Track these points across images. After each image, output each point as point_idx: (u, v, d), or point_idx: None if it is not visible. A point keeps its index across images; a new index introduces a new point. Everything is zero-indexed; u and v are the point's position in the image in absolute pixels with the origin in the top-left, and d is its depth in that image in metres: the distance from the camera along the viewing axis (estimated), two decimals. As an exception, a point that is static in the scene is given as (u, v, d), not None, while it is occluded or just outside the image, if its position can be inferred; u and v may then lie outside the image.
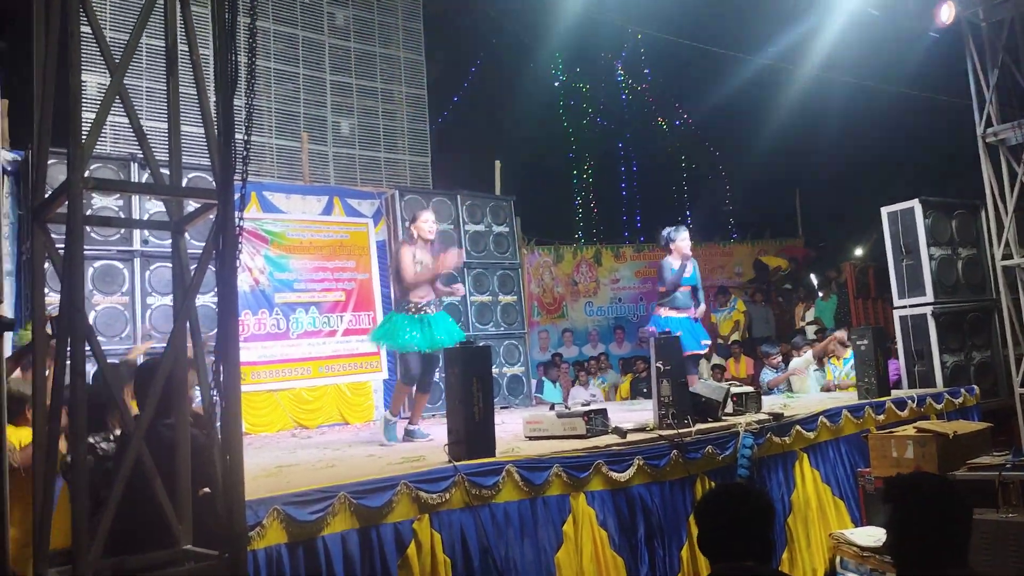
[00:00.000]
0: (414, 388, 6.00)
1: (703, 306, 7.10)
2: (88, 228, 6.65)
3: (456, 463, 4.11)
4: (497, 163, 9.88)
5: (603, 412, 5.22)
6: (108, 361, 2.61)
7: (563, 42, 15.85)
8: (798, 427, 5.69)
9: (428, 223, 5.92)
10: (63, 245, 2.38)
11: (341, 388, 8.12)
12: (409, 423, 5.92)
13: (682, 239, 6.88)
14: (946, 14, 8.37)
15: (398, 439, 5.73)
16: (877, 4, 8.69)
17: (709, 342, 7.10)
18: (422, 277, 5.78)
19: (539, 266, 12.20)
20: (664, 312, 6.84)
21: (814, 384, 8.68)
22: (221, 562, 2.52)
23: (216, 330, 2.65)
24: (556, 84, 16.99)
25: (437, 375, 7.32)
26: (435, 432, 5.88)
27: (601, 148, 17.66)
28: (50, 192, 2.50)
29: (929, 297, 7.87)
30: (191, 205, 3.07)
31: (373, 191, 8.83)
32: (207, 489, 2.61)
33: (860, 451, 6.03)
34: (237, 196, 2.72)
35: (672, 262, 6.84)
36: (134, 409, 3.12)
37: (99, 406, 3.13)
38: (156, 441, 2.62)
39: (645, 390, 8.99)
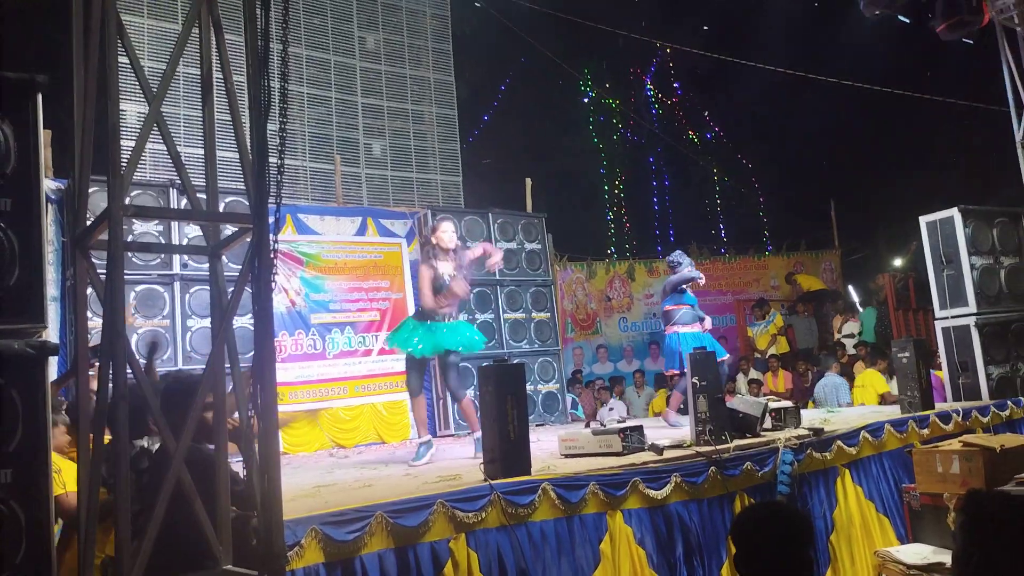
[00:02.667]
0: (434, 399, 6.12)
1: (708, 319, 7.50)
2: (130, 253, 6.83)
3: (492, 481, 4.09)
4: (528, 180, 9.91)
5: (639, 429, 5.18)
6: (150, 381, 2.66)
7: (592, 58, 15.93)
8: (839, 442, 5.59)
9: (448, 232, 5.99)
10: (104, 271, 2.44)
11: (377, 407, 8.16)
12: (473, 432, 5.89)
13: (683, 266, 7.49)
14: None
15: (424, 458, 5.60)
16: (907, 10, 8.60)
17: (724, 357, 7.22)
18: (441, 304, 5.86)
19: (572, 282, 12.19)
20: (676, 329, 7.14)
21: None
22: (260, 582, 2.54)
23: (253, 352, 2.69)
24: (585, 100, 17.02)
25: (472, 392, 7.35)
26: (457, 451, 5.87)
27: (632, 163, 17.64)
28: (92, 220, 2.56)
29: (972, 307, 7.69)
30: (228, 229, 3.13)
31: (406, 211, 8.91)
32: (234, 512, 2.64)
33: (904, 466, 5.89)
34: (272, 219, 2.77)
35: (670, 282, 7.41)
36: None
37: (137, 410, 3.16)
38: (196, 461, 2.65)
39: (682, 406, 8.90)
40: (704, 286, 7.81)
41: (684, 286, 7.39)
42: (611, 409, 9.91)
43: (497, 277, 8.74)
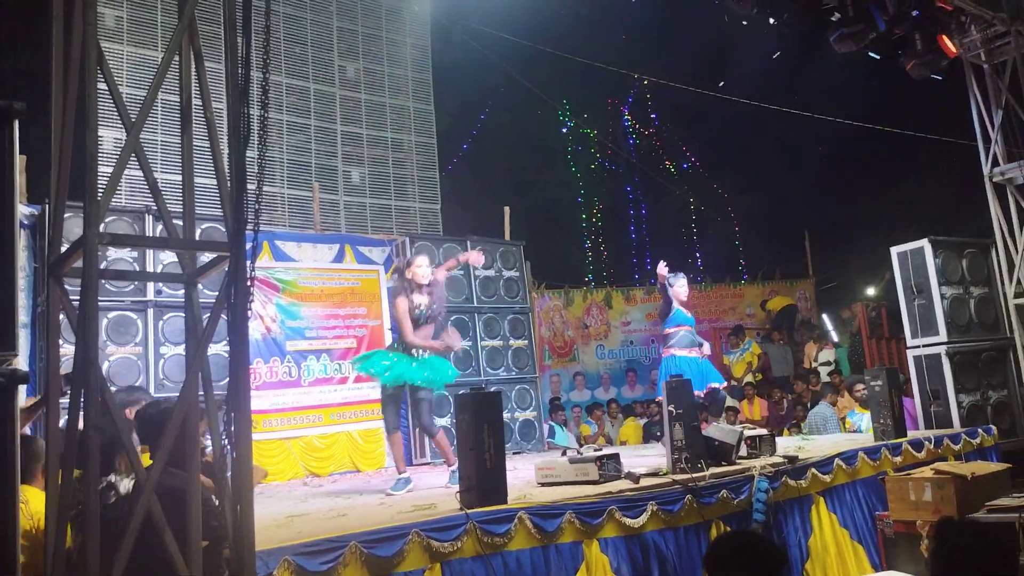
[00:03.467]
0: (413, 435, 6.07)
1: (706, 345, 7.17)
2: (103, 280, 6.77)
3: (468, 511, 4.07)
4: (506, 209, 9.97)
5: (615, 457, 5.18)
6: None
7: (570, 89, 16.12)
8: (814, 470, 5.63)
9: (422, 267, 5.95)
10: (78, 298, 2.43)
11: (352, 435, 8.10)
12: (448, 465, 5.84)
13: (680, 285, 7.02)
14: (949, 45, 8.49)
15: (403, 491, 5.55)
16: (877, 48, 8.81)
17: (721, 384, 7.00)
18: (425, 342, 5.85)
19: (549, 310, 12.22)
20: (672, 352, 6.84)
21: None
22: (231, 614, 2.51)
23: (228, 379, 2.67)
24: (564, 131, 17.19)
25: (448, 420, 7.33)
26: (433, 480, 5.88)
27: (609, 192, 17.80)
28: (66, 246, 2.55)
29: (942, 337, 7.81)
30: (205, 256, 3.12)
31: (384, 238, 8.92)
32: (206, 542, 2.60)
33: (878, 494, 5.94)
34: (249, 246, 2.77)
35: (679, 305, 6.97)
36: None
37: (105, 447, 3.12)
38: (168, 489, 2.62)
39: (658, 433, 8.92)
40: None
41: (673, 302, 7.01)
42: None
43: (475, 304, 8.75)
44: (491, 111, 15.95)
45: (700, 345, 7.00)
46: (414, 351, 5.80)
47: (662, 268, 6.87)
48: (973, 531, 2.38)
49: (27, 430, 5.19)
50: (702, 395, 6.78)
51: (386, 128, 9.96)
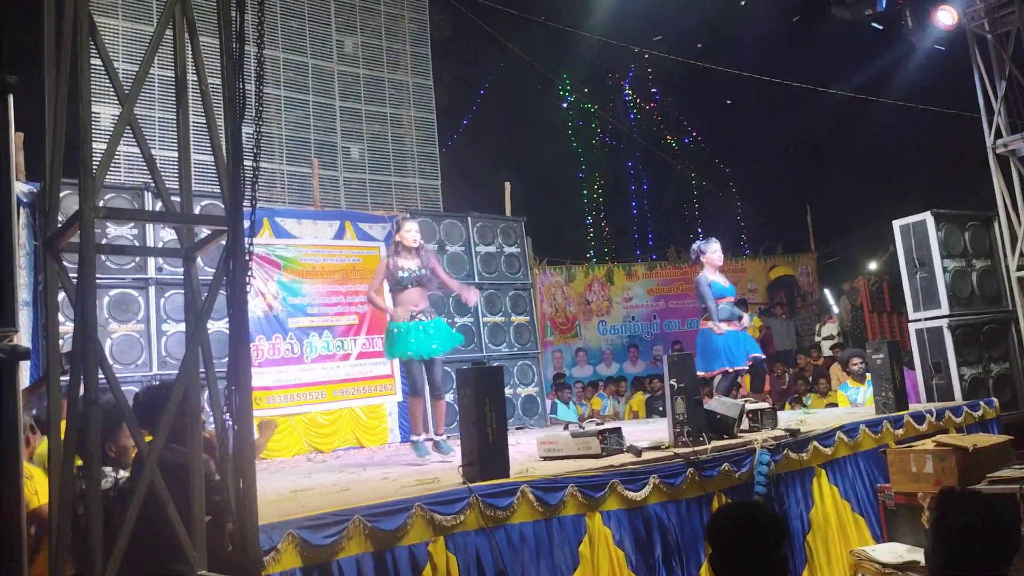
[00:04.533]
0: (428, 398, 6.09)
1: (746, 316, 7.14)
2: (103, 257, 6.75)
3: (470, 484, 4.09)
4: (507, 184, 9.92)
5: (618, 431, 5.19)
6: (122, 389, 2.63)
7: (571, 63, 16.00)
8: (815, 443, 5.64)
9: (411, 232, 6.04)
10: (76, 274, 2.41)
11: (356, 411, 8.13)
12: (435, 433, 5.98)
13: (713, 251, 6.94)
14: (946, 18, 8.41)
15: (430, 453, 5.75)
16: (881, 19, 8.73)
17: (758, 355, 6.93)
18: (379, 303, 6.14)
19: (551, 286, 12.22)
20: (722, 327, 6.76)
21: None
22: (235, 588, 2.52)
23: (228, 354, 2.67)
24: (564, 105, 17.08)
25: (452, 396, 7.35)
26: (436, 454, 5.92)
27: (611, 167, 17.73)
28: (62, 222, 2.53)
29: (944, 310, 7.79)
30: (204, 232, 3.11)
31: (384, 215, 8.88)
32: (208, 517, 2.61)
33: (879, 466, 5.96)
34: (248, 222, 2.75)
35: (709, 276, 6.88)
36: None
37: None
38: (168, 466, 2.63)
39: (661, 408, 8.95)
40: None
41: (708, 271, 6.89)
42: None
43: (476, 280, 8.74)
44: (491, 86, 15.84)
45: (739, 318, 6.94)
46: (418, 316, 5.85)
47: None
48: (974, 502, 2.38)
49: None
50: (746, 367, 6.78)
51: (385, 103, 9.89)
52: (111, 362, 6.58)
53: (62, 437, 2.50)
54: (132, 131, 2.58)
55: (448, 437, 6.18)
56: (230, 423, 2.62)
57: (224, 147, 2.70)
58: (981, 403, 7.37)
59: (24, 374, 6.00)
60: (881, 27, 8.63)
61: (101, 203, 6.07)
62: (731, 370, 6.75)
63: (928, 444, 5.41)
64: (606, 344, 12.50)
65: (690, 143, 17.89)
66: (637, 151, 17.77)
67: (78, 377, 2.39)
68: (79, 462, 2.48)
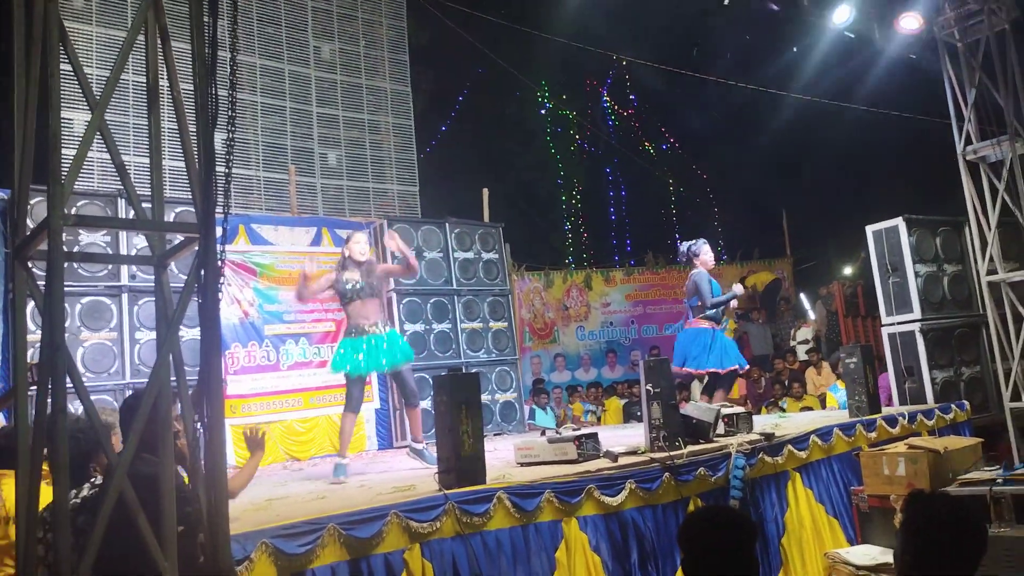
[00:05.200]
0: (402, 408, 6.10)
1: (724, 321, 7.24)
2: (75, 264, 6.68)
3: (447, 491, 4.09)
4: (485, 191, 9.94)
5: (594, 436, 5.21)
6: (92, 398, 2.60)
7: (549, 70, 16.06)
8: (790, 447, 5.69)
9: (360, 244, 6.06)
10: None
11: (332, 419, 8.06)
12: (414, 441, 5.95)
13: (706, 252, 7.05)
14: (909, 23, 8.55)
15: (347, 477, 5.51)
16: (852, 28, 8.86)
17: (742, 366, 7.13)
18: (302, 293, 6.00)
19: (529, 292, 12.24)
20: (704, 324, 6.86)
21: None
22: (207, 598, 2.50)
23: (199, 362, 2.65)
24: (542, 112, 17.14)
25: (429, 402, 7.33)
26: (413, 462, 5.92)
27: (589, 173, 17.80)
28: (32, 229, 2.51)
29: (916, 314, 7.91)
30: (177, 239, 3.08)
31: (362, 221, 8.85)
32: (180, 528, 2.59)
33: (853, 469, 6.03)
34: (220, 229, 2.74)
35: (706, 274, 6.97)
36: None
37: (82, 455, 3.10)
38: (140, 477, 2.60)
39: (638, 413, 8.98)
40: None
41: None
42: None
43: (455, 287, 8.73)
44: (469, 92, 15.85)
45: (717, 321, 7.03)
46: (368, 329, 5.80)
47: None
48: (942, 503, 2.41)
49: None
50: (722, 371, 6.82)
51: (363, 110, 9.86)
52: (83, 370, 6.50)
53: (28, 447, 2.46)
54: (103, 137, 2.55)
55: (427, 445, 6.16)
56: (201, 432, 2.60)
57: (196, 153, 2.68)
58: (952, 406, 7.49)
59: (-6, 383, 5.91)
60: (852, 35, 8.74)
61: (73, 210, 6.01)
62: (725, 371, 6.82)
63: (900, 447, 5.48)
64: (584, 349, 12.54)
65: (668, 149, 18.01)
66: (615, 157, 17.86)
67: (46, 386, 2.36)
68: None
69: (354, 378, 5.81)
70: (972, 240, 8.56)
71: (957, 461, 5.29)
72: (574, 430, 5.41)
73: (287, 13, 9.41)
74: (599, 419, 10.60)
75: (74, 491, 2.90)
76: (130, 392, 6.37)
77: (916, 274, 7.97)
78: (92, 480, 3.03)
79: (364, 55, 9.97)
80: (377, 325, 5.87)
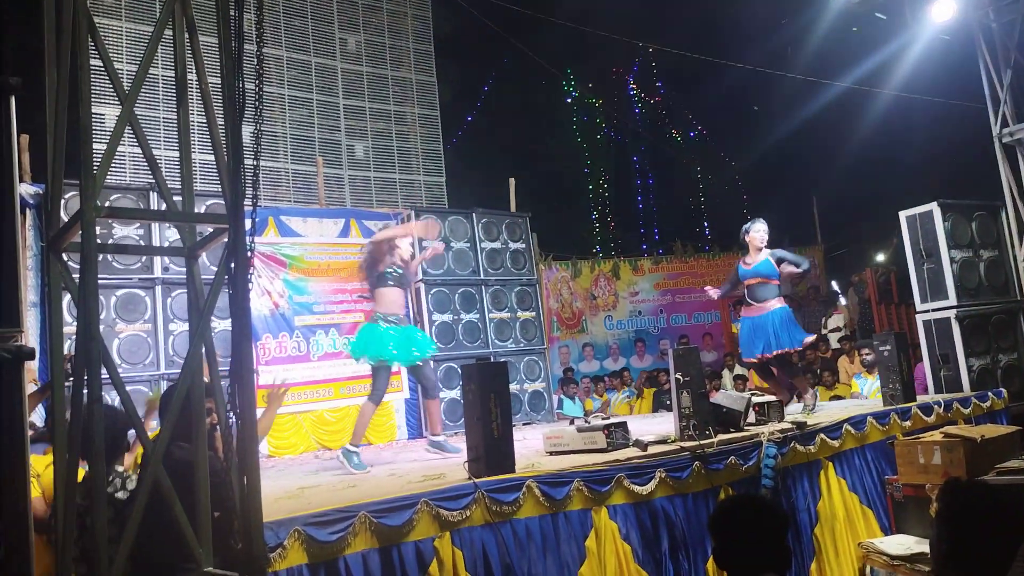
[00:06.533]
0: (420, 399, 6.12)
1: (794, 268, 6.73)
2: (110, 257, 6.79)
3: (476, 480, 4.09)
4: (511, 180, 9.93)
5: (623, 425, 5.19)
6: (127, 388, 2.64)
7: (575, 59, 15.98)
8: (822, 435, 5.62)
9: (403, 245, 6.05)
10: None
11: (363, 409, 8.14)
12: (432, 434, 5.97)
13: (755, 231, 6.79)
14: (943, 12, 8.36)
15: (366, 467, 5.43)
16: (883, 8, 8.69)
17: (769, 347, 6.57)
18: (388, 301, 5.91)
19: (557, 281, 12.21)
20: (742, 312, 6.78)
21: None
22: (241, 584, 2.53)
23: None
24: (568, 100, 17.06)
25: (458, 392, 7.35)
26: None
27: (616, 162, 17.70)
28: (66, 222, 2.55)
29: (952, 300, 7.76)
30: (207, 231, 3.12)
31: (389, 212, 8.89)
32: (216, 514, 2.62)
33: (887, 458, 5.94)
34: (249, 221, 2.76)
35: (743, 261, 6.84)
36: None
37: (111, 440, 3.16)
38: (175, 463, 2.64)
39: (668, 402, 8.93)
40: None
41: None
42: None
43: (482, 277, 8.74)
44: (494, 82, 15.83)
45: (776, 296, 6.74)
46: (397, 323, 5.83)
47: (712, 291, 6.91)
48: (979, 491, 2.37)
49: (40, 411, 5.24)
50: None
51: (389, 101, 9.90)
52: (119, 361, 6.62)
53: (66, 437, 2.51)
54: (133, 130, 2.58)
55: (449, 436, 6.18)
56: (234, 420, 2.63)
57: (224, 146, 2.70)
58: (989, 394, 7.34)
59: (33, 375, 6.04)
60: (884, 17, 8.58)
61: (106, 204, 6.10)
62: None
63: (936, 435, 5.38)
64: (612, 339, 12.49)
65: (695, 137, 17.85)
66: (642, 145, 17.74)
67: (81, 377, 2.40)
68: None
69: (383, 368, 5.82)
70: (1009, 224, 8.38)
71: (994, 450, 5.18)
72: (603, 419, 5.39)
73: (313, 5, 9.46)
74: (631, 408, 10.56)
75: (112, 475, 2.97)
76: (166, 383, 6.49)
77: (951, 260, 7.81)
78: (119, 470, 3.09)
79: (390, 46, 10.00)
80: (400, 318, 5.91)
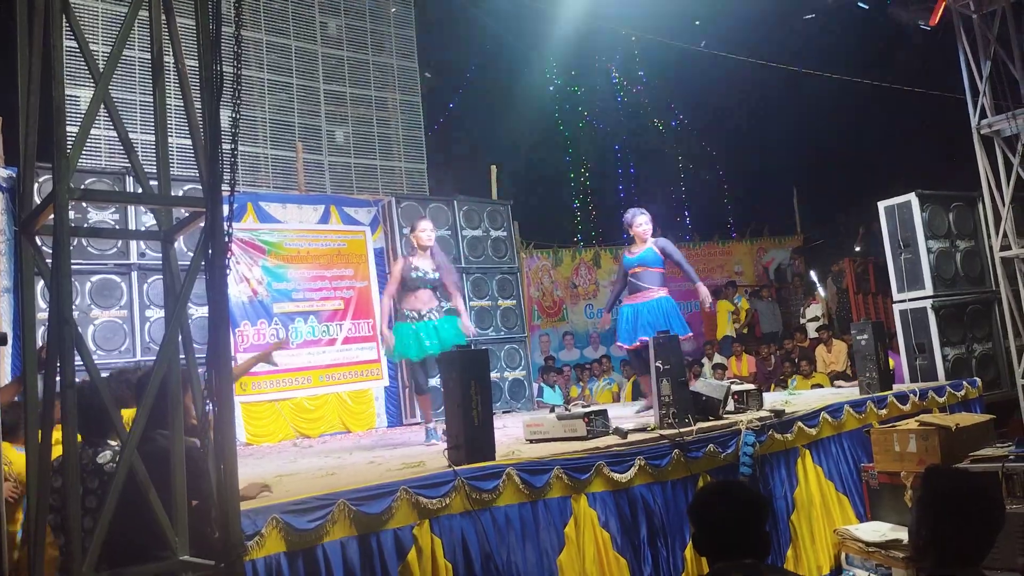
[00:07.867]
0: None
1: (700, 285, 6.82)
2: (85, 242, 6.69)
3: (456, 467, 4.09)
4: (493, 168, 9.88)
5: (604, 413, 5.20)
6: (102, 373, 2.60)
7: (557, 47, 15.90)
8: (800, 423, 5.67)
9: (426, 232, 6.04)
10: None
11: (342, 396, 8.11)
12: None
13: (638, 224, 6.85)
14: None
15: (439, 437, 5.59)
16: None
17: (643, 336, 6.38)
18: (417, 301, 5.91)
19: (538, 270, 12.21)
20: (623, 300, 6.84)
21: None
22: (217, 572, 2.51)
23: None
24: (551, 88, 17.00)
25: (437, 379, 7.33)
26: (423, 438, 5.95)
27: (598, 150, 17.68)
28: (36, 204, 2.49)
29: (928, 290, 7.84)
30: (184, 214, 3.07)
31: (370, 199, 8.83)
32: (195, 502, 2.59)
33: (863, 446, 6.01)
34: (227, 206, 2.72)
35: (628, 251, 6.93)
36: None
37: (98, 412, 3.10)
38: (151, 451, 2.61)
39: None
40: (670, 272, 7.18)
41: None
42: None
43: (463, 264, 8.71)
44: (477, 69, 15.74)
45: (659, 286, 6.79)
46: (427, 316, 5.85)
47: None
48: (959, 478, 2.39)
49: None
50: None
51: (370, 87, 9.80)
52: (93, 348, 6.53)
53: (39, 422, 2.47)
54: (108, 111, 2.53)
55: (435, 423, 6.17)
56: (210, 407, 2.60)
57: (202, 129, 2.66)
58: (964, 383, 7.44)
59: (6, 361, 5.95)
60: (866, 7, 8.61)
61: (81, 187, 6.00)
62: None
63: (911, 424, 5.46)
64: (593, 327, 12.51)
65: (676, 126, 17.86)
66: (624, 134, 17.73)
67: (54, 361, 2.36)
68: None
69: (418, 363, 5.84)
70: (985, 215, 8.46)
71: (969, 438, 5.26)
72: (583, 407, 5.40)
73: (293, -11, 9.34)
74: (612, 395, 10.59)
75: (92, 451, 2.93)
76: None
77: (928, 250, 7.89)
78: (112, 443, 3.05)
79: (371, 31, 9.89)
80: (432, 311, 5.91)
